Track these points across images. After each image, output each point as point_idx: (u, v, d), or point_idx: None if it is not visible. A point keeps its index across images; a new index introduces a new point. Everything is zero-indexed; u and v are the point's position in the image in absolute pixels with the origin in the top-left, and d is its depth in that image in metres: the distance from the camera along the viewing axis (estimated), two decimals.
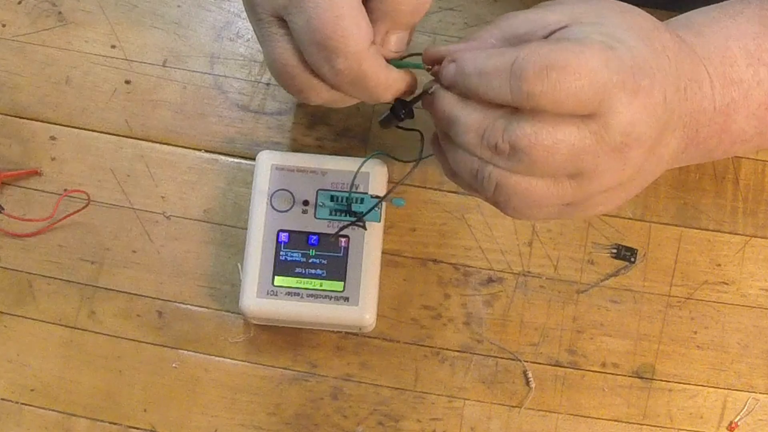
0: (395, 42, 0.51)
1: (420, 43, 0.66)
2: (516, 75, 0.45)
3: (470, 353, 0.62)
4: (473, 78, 0.47)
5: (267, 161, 0.61)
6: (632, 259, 0.63)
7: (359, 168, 0.60)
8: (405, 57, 0.52)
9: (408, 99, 0.52)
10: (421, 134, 0.54)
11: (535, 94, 0.44)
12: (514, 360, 0.62)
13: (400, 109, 0.52)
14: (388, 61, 0.50)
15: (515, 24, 0.49)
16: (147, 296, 0.63)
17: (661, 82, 0.47)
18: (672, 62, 0.48)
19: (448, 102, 0.48)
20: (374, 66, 0.49)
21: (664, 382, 0.62)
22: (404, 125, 0.53)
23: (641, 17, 0.49)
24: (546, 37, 0.47)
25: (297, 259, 0.59)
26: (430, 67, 0.50)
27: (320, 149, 0.64)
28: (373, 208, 0.59)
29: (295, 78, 0.50)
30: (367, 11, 0.49)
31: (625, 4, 0.49)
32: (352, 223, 0.59)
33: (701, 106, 0.51)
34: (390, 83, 0.50)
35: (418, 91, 0.51)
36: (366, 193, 0.60)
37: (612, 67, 0.45)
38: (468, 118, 0.47)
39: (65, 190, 0.64)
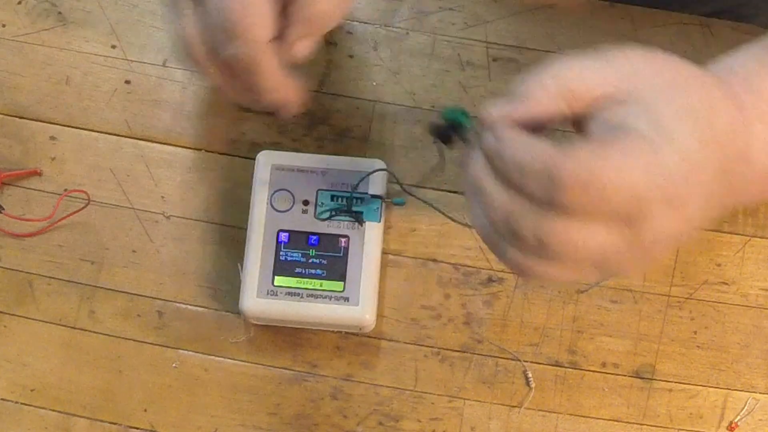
0: (303, 48, 0.54)
1: (420, 43, 0.66)
2: (553, 183, 0.43)
3: (470, 353, 0.62)
4: (510, 166, 0.44)
5: (267, 161, 0.61)
6: None
7: (364, 177, 0.60)
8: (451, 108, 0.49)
9: (450, 130, 0.49)
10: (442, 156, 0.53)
11: (571, 204, 0.43)
12: (514, 360, 0.62)
13: (444, 133, 0.49)
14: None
15: (572, 78, 0.46)
16: (147, 296, 0.63)
17: (704, 181, 0.45)
18: (723, 145, 0.46)
19: (480, 169, 0.46)
20: (269, 61, 0.52)
21: (664, 382, 0.62)
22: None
23: (701, 90, 0.47)
24: (604, 103, 0.46)
25: (297, 259, 0.59)
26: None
27: (320, 149, 0.64)
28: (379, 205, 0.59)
29: (197, 55, 0.54)
30: (284, 15, 0.52)
31: (689, 67, 0.47)
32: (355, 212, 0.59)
33: (747, 177, 0.49)
34: (278, 85, 0.53)
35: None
36: (366, 193, 0.60)
37: (653, 178, 0.43)
38: (496, 196, 0.45)
39: (65, 190, 0.64)
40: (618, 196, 0.43)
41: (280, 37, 0.54)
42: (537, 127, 0.46)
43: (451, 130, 0.48)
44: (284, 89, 0.54)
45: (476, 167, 0.46)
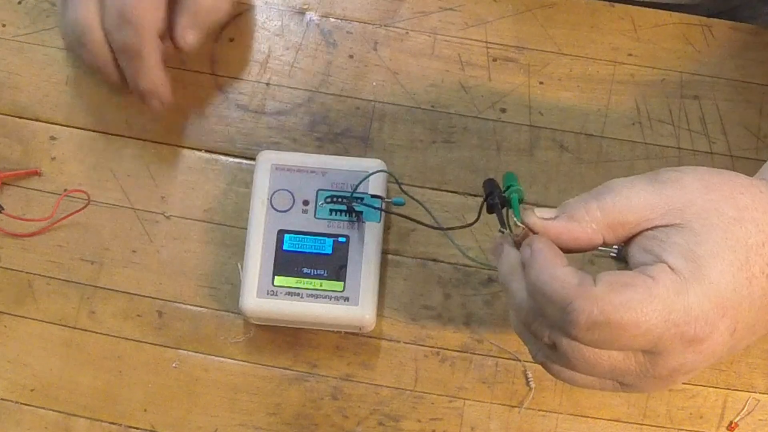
0: (190, 38, 0.60)
1: (420, 43, 0.66)
2: (566, 319, 0.44)
3: (470, 353, 0.62)
4: (536, 286, 0.45)
5: (267, 161, 0.61)
6: None
7: (365, 178, 0.60)
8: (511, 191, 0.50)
9: (498, 205, 0.50)
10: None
11: (583, 340, 0.44)
12: (514, 360, 0.62)
13: (491, 201, 0.50)
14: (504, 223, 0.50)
15: (619, 209, 0.46)
16: (147, 296, 0.63)
17: (733, 318, 0.44)
18: (765, 282, 0.45)
19: (511, 268, 0.47)
20: (152, 49, 0.59)
21: None
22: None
23: (752, 227, 0.45)
24: (649, 228, 0.46)
25: (297, 259, 0.59)
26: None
27: (320, 149, 0.64)
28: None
29: (91, 39, 0.59)
30: (173, 5, 0.59)
31: (751, 190, 0.46)
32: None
33: None
34: (155, 75, 0.60)
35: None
36: (366, 193, 0.60)
37: (672, 319, 0.43)
38: (520, 300, 0.47)
39: (65, 190, 0.64)
40: (631, 336, 0.43)
41: (168, 29, 0.60)
42: (577, 249, 0.48)
43: (499, 205, 0.50)
44: (159, 80, 0.60)
45: (505, 266, 0.48)
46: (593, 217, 0.46)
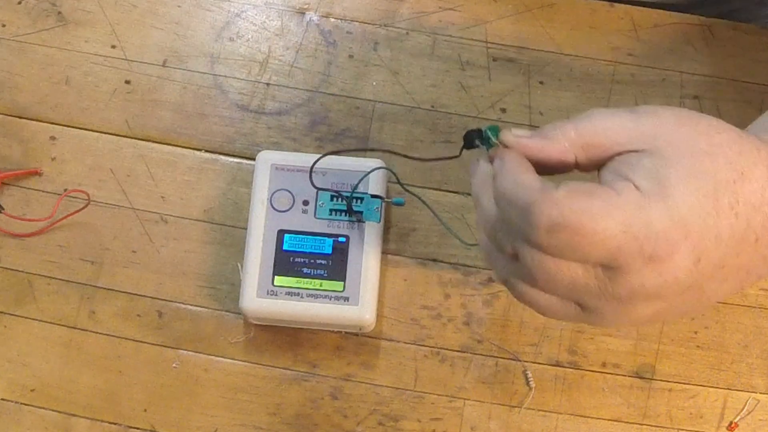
0: None
1: (420, 43, 0.66)
2: (527, 221, 0.44)
3: (470, 353, 0.62)
4: (500, 192, 0.46)
5: (267, 161, 0.61)
6: None
7: (364, 176, 0.60)
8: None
9: (476, 137, 0.51)
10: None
11: (542, 245, 0.44)
12: (514, 360, 0.62)
13: (469, 136, 0.51)
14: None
15: (594, 131, 0.47)
16: (147, 296, 0.63)
17: (697, 245, 0.44)
18: (740, 219, 0.45)
19: (481, 182, 0.48)
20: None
21: (664, 382, 0.62)
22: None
23: (733, 156, 0.45)
24: (621, 153, 0.46)
25: (297, 259, 0.59)
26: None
27: (320, 149, 0.64)
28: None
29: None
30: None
31: (725, 132, 0.46)
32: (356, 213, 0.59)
33: None
34: None
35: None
36: (366, 193, 0.60)
37: (632, 232, 0.43)
38: (488, 211, 0.47)
39: (65, 190, 0.64)
40: (589, 242, 0.43)
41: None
42: (551, 169, 0.48)
43: (477, 137, 0.50)
44: None
45: (478, 178, 0.48)
46: (567, 137, 0.47)
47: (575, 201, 0.43)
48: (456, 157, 0.53)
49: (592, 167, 0.48)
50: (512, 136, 0.48)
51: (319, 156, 0.58)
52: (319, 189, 0.60)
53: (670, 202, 0.44)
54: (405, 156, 0.56)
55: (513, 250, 0.46)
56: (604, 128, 0.47)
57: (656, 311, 0.46)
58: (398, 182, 0.60)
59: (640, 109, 0.47)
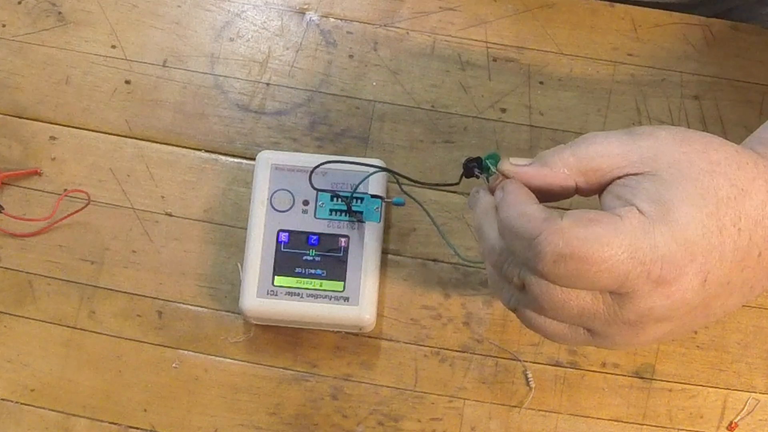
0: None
1: (420, 43, 0.66)
2: (533, 252, 0.44)
3: (470, 353, 0.62)
4: (504, 223, 0.46)
5: (267, 161, 0.61)
6: None
7: (365, 178, 0.60)
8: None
9: (476, 166, 0.52)
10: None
11: (549, 275, 0.44)
12: (514, 360, 0.62)
13: (470, 165, 0.52)
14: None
15: (592, 156, 0.47)
16: (147, 296, 0.63)
17: (703, 266, 0.44)
18: (743, 234, 0.45)
19: (483, 212, 0.49)
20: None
21: (664, 382, 0.62)
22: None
23: (733, 173, 0.46)
24: (621, 176, 0.46)
25: (297, 259, 0.59)
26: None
27: (320, 149, 0.64)
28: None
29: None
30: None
31: (724, 148, 0.46)
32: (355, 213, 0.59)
33: None
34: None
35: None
36: (366, 193, 0.60)
37: (638, 257, 0.43)
38: (492, 241, 0.48)
39: (65, 190, 0.64)
40: (597, 270, 0.43)
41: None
42: (552, 196, 0.48)
43: (476, 166, 0.51)
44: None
45: (480, 209, 0.49)
46: (566, 163, 0.47)
47: (580, 229, 0.44)
48: (456, 184, 0.54)
49: (593, 192, 0.48)
50: (510, 165, 0.48)
51: (320, 162, 0.58)
52: (319, 190, 0.60)
53: (674, 225, 0.44)
54: (403, 177, 0.56)
55: (520, 280, 0.46)
56: (602, 153, 0.47)
57: (665, 332, 0.46)
58: (400, 186, 0.60)
59: (637, 131, 0.47)
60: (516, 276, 0.46)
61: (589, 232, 0.43)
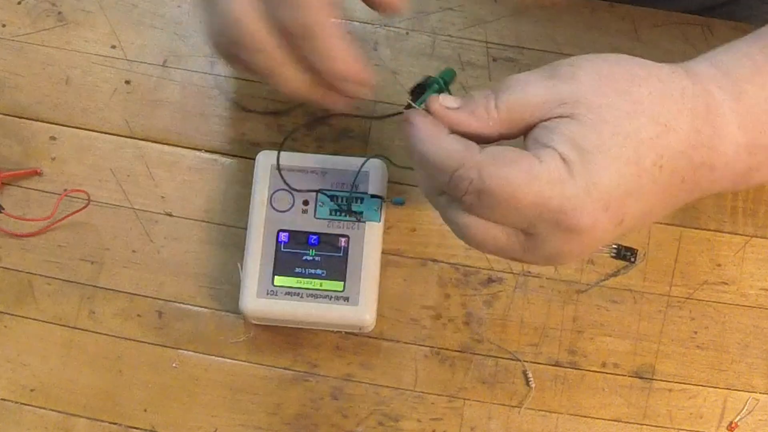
0: None
1: (420, 43, 0.66)
2: (454, 184, 0.46)
3: (470, 353, 0.62)
4: (421, 157, 0.48)
5: (267, 161, 0.61)
6: (632, 259, 0.63)
7: (360, 168, 0.60)
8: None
9: (416, 91, 0.52)
10: None
11: (467, 204, 0.46)
12: (514, 360, 0.62)
13: (418, 87, 0.52)
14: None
15: (515, 104, 0.47)
16: (147, 296, 0.63)
17: (618, 210, 0.46)
18: (664, 171, 0.46)
19: (412, 143, 0.49)
20: (330, 25, 0.48)
21: (664, 382, 0.62)
22: None
23: (645, 120, 0.46)
24: (544, 120, 0.47)
25: (297, 259, 0.59)
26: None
27: (320, 149, 0.64)
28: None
29: (250, 31, 0.49)
30: None
31: (651, 75, 0.47)
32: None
33: (712, 183, 0.49)
34: (345, 56, 0.49)
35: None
36: (366, 193, 0.60)
37: (550, 205, 0.45)
38: (419, 171, 0.49)
39: (65, 190, 0.64)
40: (507, 210, 0.45)
41: None
42: (476, 140, 0.49)
43: (418, 89, 0.52)
44: (347, 57, 0.49)
45: (410, 139, 0.49)
46: (491, 115, 0.48)
47: (496, 168, 0.45)
48: (403, 111, 0.52)
49: (517, 136, 0.49)
50: (440, 106, 0.49)
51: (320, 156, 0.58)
52: (314, 191, 0.60)
53: (589, 177, 0.45)
54: (394, 164, 0.56)
55: (443, 210, 0.49)
56: (525, 101, 0.47)
57: (582, 254, 0.48)
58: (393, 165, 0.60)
59: (558, 71, 0.48)
60: (439, 205, 0.49)
61: (504, 173, 0.45)
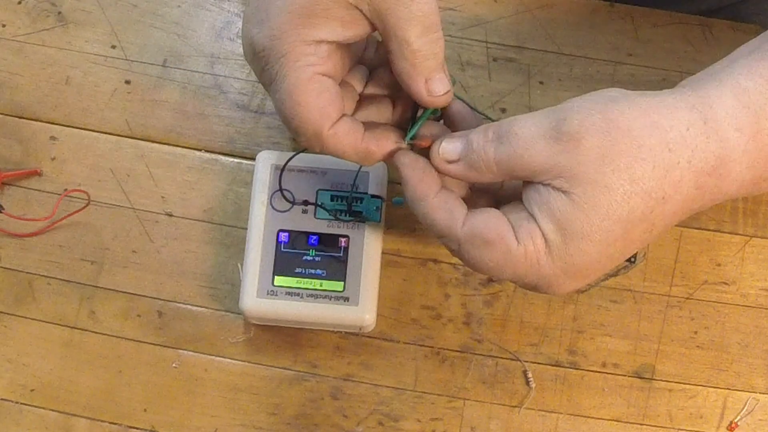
0: (436, 85, 0.51)
1: None
2: (442, 241, 0.50)
3: (470, 353, 0.62)
4: (415, 211, 0.51)
5: (267, 161, 0.61)
6: (632, 259, 0.63)
7: (360, 168, 0.60)
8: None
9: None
10: None
11: (462, 255, 0.49)
12: (514, 360, 0.62)
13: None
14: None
15: (516, 162, 0.48)
16: (147, 296, 0.63)
17: (587, 278, 0.48)
18: (654, 233, 0.48)
19: (406, 185, 0.51)
20: (336, 143, 0.51)
21: (664, 382, 0.62)
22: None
23: (639, 200, 0.46)
24: (541, 182, 0.47)
25: (297, 259, 0.59)
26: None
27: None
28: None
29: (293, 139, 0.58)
30: (393, 69, 0.50)
31: (647, 167, 0.46)
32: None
33: (707, 209, 0.51)
34: (361, 152, 0.52)
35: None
36: (366, 193, 0.60)
37: (526, 280, 0.48)
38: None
39: (65, 190, 0.64)
40: (486, 273, 0.50)
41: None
42: (477, 185, 0.53)
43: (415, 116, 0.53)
44: (370, 154, 0.52)
45: (402, 182, 0.51)
46: (490, 169, 0.49)
47: (474, 249, 0.48)
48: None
49: (512, 183, 0.52)
50: (440, 158, 0.50)
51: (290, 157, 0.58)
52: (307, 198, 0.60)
53: (568, 260, 0.47)
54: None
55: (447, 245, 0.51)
56: (525, 163, 0.47)
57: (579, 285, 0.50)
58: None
59: (565, 134, 0.46)
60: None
61: (479, 255, 0.48)
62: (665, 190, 0.46)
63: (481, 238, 0.48)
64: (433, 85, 0.50)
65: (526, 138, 0.47)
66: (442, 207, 0.49)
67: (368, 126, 0.52)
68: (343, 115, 0.51)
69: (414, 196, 0.50)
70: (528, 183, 0.48)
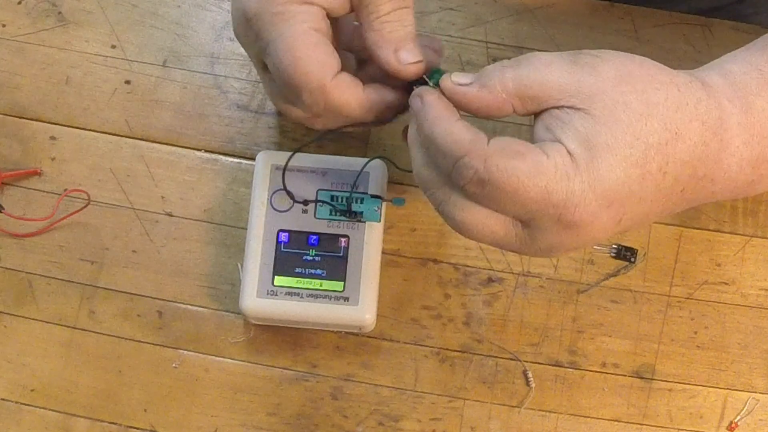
0: (405, 55, 0.52)
1: None
2: (458, 171, 0.46)
3: (470, 353, 0.62)
4: (430, 139, 0.48)
5: (267, 161, 0.61)
6: (632, 259, 0.63)
7: (361, 170, 0.60)
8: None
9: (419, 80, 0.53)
10: None
11: (469, 193, 0.46)
12: (514, 360, 0.62)
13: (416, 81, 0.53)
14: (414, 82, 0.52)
15: (532, 83, 0.47)
16: (147, 296, 0.63)
17: (619, 210, 0.46)
18: (668, 177, 0.47)
19: (413, 131, 0.50)
20: (340, 94, 0.51)
21: (664, 382, 0.62)
22: None
23: (657, 124, 0.46)
24: (556, 107, 0.47)
25: (297, 259, 0.59)
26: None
27: (320, 149, 0.64)
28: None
29: (286, 112, 0.55)
30: (366, 41, 0.51)
31: (668, 82, 0.47)
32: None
33: (711, 194, 0.50)
34: (364, 104, 0.52)
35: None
36: (366, 193, 0.60)
37: (552, 200, 0.45)
38: (418, 156, 0.49)
39: (65, 190, 0.64)
40: (509, 202, 0.45)
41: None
42: (486, 115, 0.49)
43: (421, 83, 0.52)
44: (372, 104, 0.53)
45: (412, 128, 0.50)
46: (505, 87, 0.48)
47: (503, 160, 0.45)
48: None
49: (527, 115, 0.49)
50: (451, 83, 0.49)
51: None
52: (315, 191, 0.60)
53: (595, 174, 0.45)
54: (397, 167, 0.56)
55: (440, 200, 0.48)
56: (542, 81, 0.47)
57: (576, 248, 0.49)
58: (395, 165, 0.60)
59: (581, 59, 0.47)
60: (437, 196, 0.48)
61: (511, 165, 0.45)
62: (678, 126, 0.46)
63: (510, 149, 0.46)
64: (402, 54, 0.51)
65: (545, 60, 0.47)
66: (466, 127, 0.47)
67: (367, 83, 0.53)
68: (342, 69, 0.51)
69: (438, 115, 0.48)
70: (542, 113, 0.48)
